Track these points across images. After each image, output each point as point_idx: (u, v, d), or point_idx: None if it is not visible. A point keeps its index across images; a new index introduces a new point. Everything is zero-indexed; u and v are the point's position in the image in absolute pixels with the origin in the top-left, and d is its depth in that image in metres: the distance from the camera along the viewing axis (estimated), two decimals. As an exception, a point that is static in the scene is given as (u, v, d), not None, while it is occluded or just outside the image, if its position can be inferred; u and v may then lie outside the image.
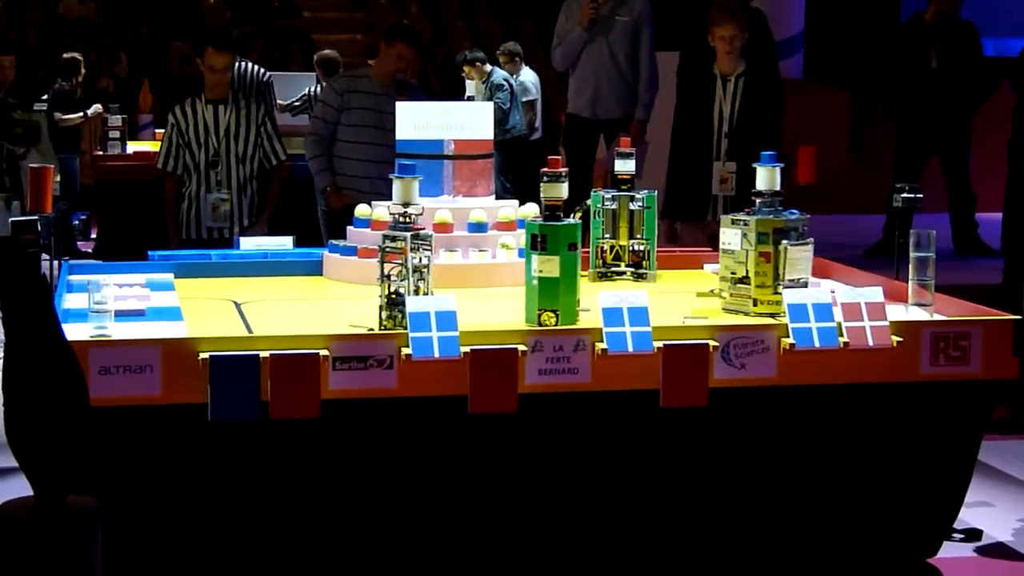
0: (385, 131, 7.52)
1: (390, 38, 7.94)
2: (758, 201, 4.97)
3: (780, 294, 4.77)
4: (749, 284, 4.88)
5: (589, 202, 5.70)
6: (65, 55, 13.88)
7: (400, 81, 7.88)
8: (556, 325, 4.56)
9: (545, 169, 4.72)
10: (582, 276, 5.63)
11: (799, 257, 4.88)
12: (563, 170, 4.72)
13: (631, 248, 5.69)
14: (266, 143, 7.50)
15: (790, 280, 4.84)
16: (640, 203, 5.65)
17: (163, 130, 7.83)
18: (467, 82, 12.64)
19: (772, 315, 4.79)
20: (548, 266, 4.63)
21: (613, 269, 5.64)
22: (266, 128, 7.54)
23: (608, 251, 5.65)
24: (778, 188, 5.01)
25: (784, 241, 4.84)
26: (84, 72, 13.77)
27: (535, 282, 4.64)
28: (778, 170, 5.02)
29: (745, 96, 7.30)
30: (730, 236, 4.93)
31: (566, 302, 4.63)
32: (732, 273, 4.93)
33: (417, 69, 14.82)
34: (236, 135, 7.44)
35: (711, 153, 7.33)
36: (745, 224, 4.88)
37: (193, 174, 7.43)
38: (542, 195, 4.74)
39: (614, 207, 5.64)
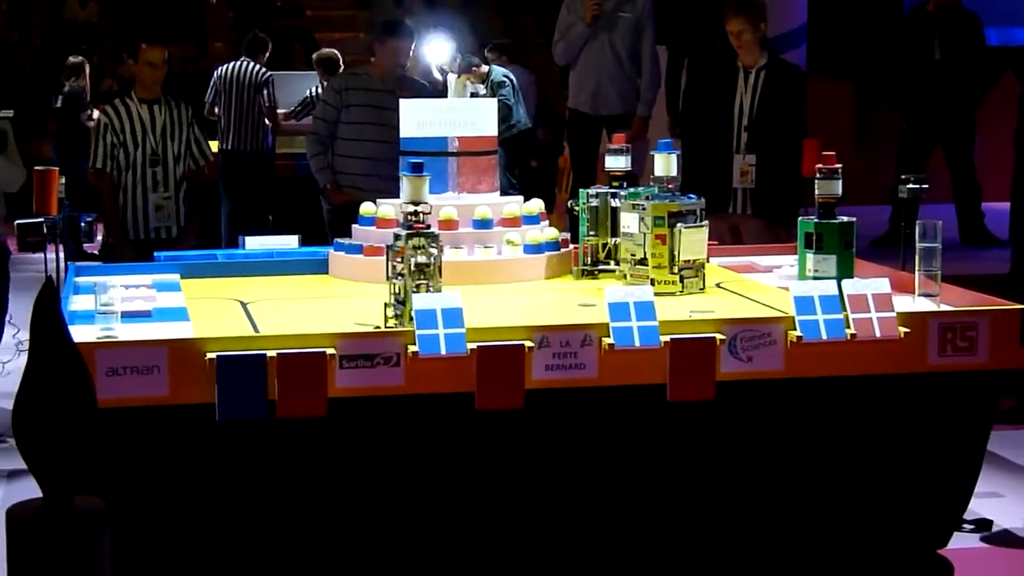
0: (386, 128, 7.48)
1: (382, 36, 7.92)
2: (656, 186, 5.29)
3: (676, 274, 5.13)
4: (647, 265, 5.17)
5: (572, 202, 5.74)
6: (71, 59, 13.90)
7: (402, 77, 7.83)
8: None
9: (820, 165, 4.68)
10: (567, 274, 5.63)
11: (694, 239, 5.20)
12: (838, 166, 4.70)
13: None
14: (194, 145, 7.53)
15: (685, 261, 5.16)
16: (621, 200, 5.51)
17: None
18: (449, 81, 12.49)
19: (670, 294, 5.10)
20: (824, 265, 4.61)
21: (601, 268, 5.60)
22: (194, 129, 7.56)
23: (601, 248, 5.60)
24: (674, 174, 5.32)
25: (679, 224, 5.13)
26: (88, 74, 13.82)
27: None
28: (674, 157, 5.33)
29: (765, 88, 7.30)
30: (629, 220, 5.24)
31: None
32: (632, 255, 5.25)
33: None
34: (172, 134, 7.45)
35: (731, 146, 7.33)
36: (643, 209, 5.17)
37: (127, 173, 7.40)
38: (816, 192, 4.67)
39: (597, 204, 5.59)
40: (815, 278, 4.58)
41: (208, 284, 5.53)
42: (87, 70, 13.77)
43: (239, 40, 14.17)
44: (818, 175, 4.68)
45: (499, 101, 12.35)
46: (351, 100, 7.76)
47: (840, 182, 4.70)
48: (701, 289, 5.26)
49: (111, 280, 5.21)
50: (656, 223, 5.16)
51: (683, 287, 5.17)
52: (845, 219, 4.66)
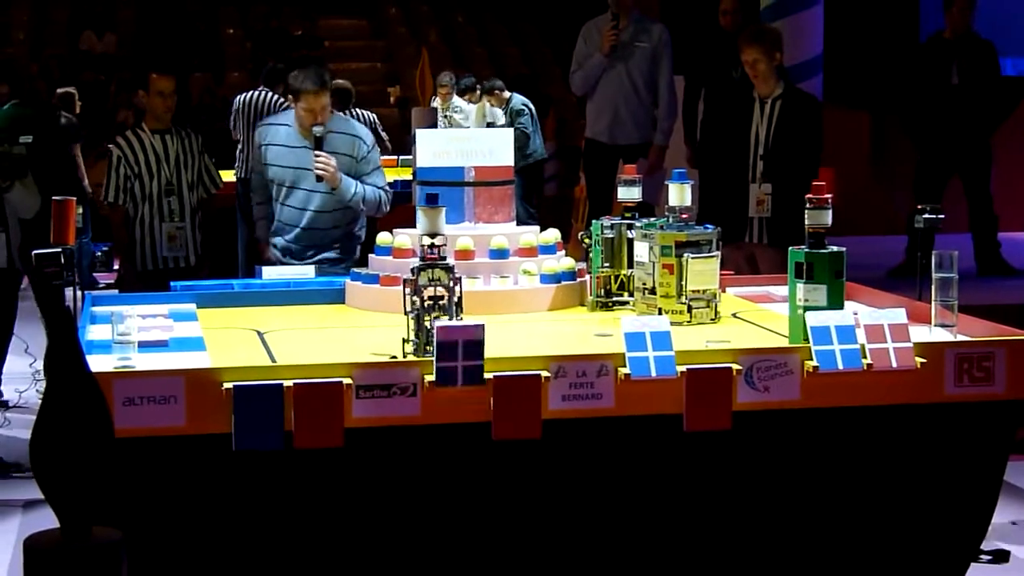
0: (304, 191, 7.01)
1: (295, 91, 6.96)
2: (669, 216, 5.26)
3: (685, 304, 5.11)
4: (656, 294, 5.18)
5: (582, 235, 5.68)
6: (59, 90, 14.00)
7: (317, 138, 6.92)
8: None
9: (809, 195, 4.69)
10: (580, 307, 5.61)
11: (703, 269, 5.17)
12: (828, 196, 4.71)
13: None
14: (205, 173, 7.57)
15: (694, 292, 5.13)
16: (636, 231, 5.44)
17: None
18: (466, 108, 12.57)
19: (678, 324, 5.04)
20: (814, 295, 4.60)
21: (616, 299, 5.58)
22: (204, 158, 7.60)
23: (613, 280, 5.58)
24: (688, 203, 5.28)
25: (687, 254, 5.11)
26: (79, 105, 13.90)
27: (800, 311, 4.62)
28: (688, 186, 5.29)
29: (781, 118, 7.32)
30: (641, 249, 5.24)
31: None
32: (644, 284, 5.24)
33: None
34: (186, 163, 7.51)
35: (747, 175, 7.35)
36: (652, 238, 5.17)
37: (143, 204, 7.43)
38: (807, 221, 4.68)
39: (612, 236, 5.56)
40: (805, 308, 4.60)
41: (225, 314, 5.54)
42: (76, 101, 13.85)
43: (256, 70, 14.26)
44: (808, 205, 4.69)
45: (517, 130, 12.38)
46: (270, 158, 7.11)
47: (830, 212, 4.71)
48: (713, 319, 5.24)
49: (128, 310, 5.23)
50: (664, 252, 5.15)
51: (691, 317, 5.14)
52: (835, 249, 4.67)
